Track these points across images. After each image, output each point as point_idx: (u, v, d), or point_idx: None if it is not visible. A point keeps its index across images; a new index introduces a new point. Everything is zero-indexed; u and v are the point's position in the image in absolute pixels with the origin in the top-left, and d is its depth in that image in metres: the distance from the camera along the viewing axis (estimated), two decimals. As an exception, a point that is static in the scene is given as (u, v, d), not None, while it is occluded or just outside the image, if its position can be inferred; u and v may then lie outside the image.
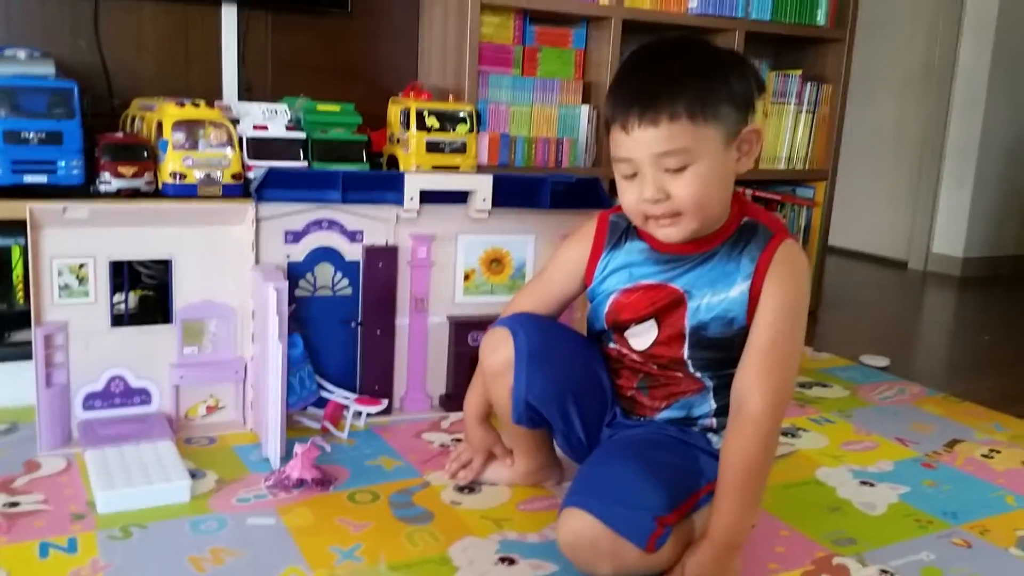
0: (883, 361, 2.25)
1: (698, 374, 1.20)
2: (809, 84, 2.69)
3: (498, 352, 1.25)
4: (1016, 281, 3.68)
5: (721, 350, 1.16)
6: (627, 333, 1.22)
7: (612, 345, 1.25)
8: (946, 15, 3.71)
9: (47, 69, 1.64)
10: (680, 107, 1.05)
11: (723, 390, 1.18)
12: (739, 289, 1.14)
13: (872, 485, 1.49)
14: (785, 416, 1.17)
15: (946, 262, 3.78)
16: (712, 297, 1.15)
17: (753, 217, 1.17)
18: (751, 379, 1.11)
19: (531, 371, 1.22)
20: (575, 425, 1.25)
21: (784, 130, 2.69)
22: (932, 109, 3.80)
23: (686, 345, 1.18)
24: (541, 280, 1.33)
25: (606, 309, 1.22)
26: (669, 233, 1.12)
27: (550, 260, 1.35)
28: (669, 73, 1.08)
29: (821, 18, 2.62)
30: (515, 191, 1.70)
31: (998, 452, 1.67)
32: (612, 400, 1.27)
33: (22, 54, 1.65)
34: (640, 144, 1.07)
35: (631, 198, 1.12)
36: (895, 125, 3.99)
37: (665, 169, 1.07)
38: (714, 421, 1.22)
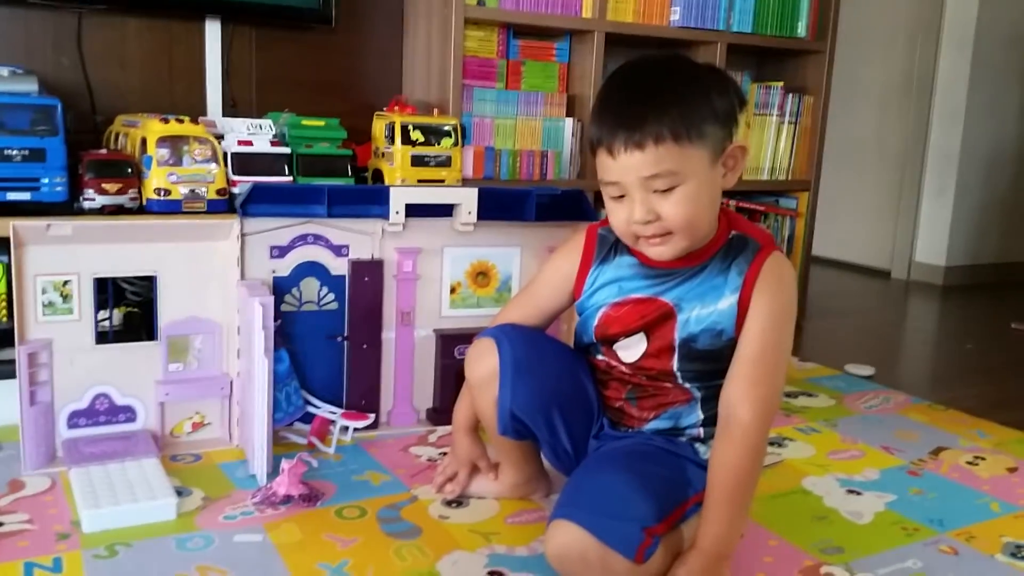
0: (868, 370, 2.26)
1: (687, 385, 1.20)
2: (791, 95, 2.71)
3: (483, 362, 1.25)
4: (998, 289, 3.71)
5: (710, 362, 1.17)
6: (616, 346, 1.22)
7: (600, 357, 1.26)
8: (926, 26, 3.76)
9: (30, 86, 1.63)
10: (665, 129, 1.05)
11: (711, 401, 1.19)
12: (728, 301, 1.15)
13: (859, 494, 1.50)
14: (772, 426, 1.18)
15: (929, 271, 3.81)
16: (701, 310, 1.16)
17: (741, 230, 1.18)
18: (739, 389, 1.12)
19: (516, 381, 1.22)
20: (561, 436, 1.25)
21: (766, 141, 2.71)
22: (913, 119, 3.84)
23: (675, 357, 1.18)
24: (529, 293, 1.34)
25: (595, 323, 1.23)
26: (661, 252, 1.13)
27: (538, 273, 1.35)
28: (652, 95, 1.08)
29: (802, 30, 2.64)
30: (500, 204, 1.71)
31: (983, 459, 1.68)
32: (599, 411, 1.27)
33: (5, 71, 1.65)
34: (627, 168, 1.07)
35: (620, 218, 1.12)
36: (877, 135, 4.03)
37: (653, 190, 1.08)
38: (702, 431, 1.22)
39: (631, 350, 1.21)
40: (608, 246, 1.23)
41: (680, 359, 1.18)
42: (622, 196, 1.10)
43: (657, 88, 1.09)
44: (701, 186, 1.09)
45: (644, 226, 1.10)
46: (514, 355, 1.22)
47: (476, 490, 1.40)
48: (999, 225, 3.86)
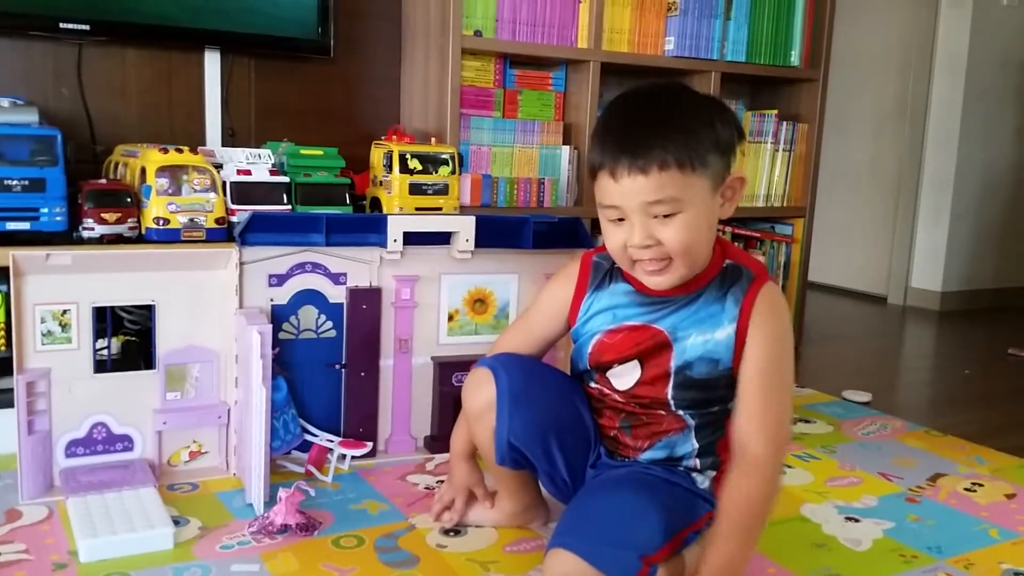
0: (865, 396, 2.26)
1: (680, 412, 1.20)
2: (785, 123, 2.74)
3: (480, 392, 1.25)
4: (994, 314, 3.71)
5: (705, 390, 1.17)
6: (609, 373, 1.22)
7: (594, 385, 1.25)
8: (918, 54, 3.79)
9: (30, 117, 1.65)
10: (670, 156, 1.05)
11: (705, 428, 1.19)
12: (725, 332, 1.15)
13: (857, 521, 1.49)
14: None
15: (925, 296, 3.82)
16: (697, 338, 1.16)
17: (734, 259, 1.19)
18: (751, 423, 1.12)
19: (513, 411, 1.22)
20: (559, 465, 1.25)
21: (761, 169, 2.73)
22: (907, 145, 3.86)
23: (670, 385, 1.18)
24: (526, 321, 1.34)
25: (589, 349, 1.23)
26: (658, 281, 1.13)
27: (534, 301, 1.35)
28: (658, 121, 1.08)
29: (795, 59, 2.67)
30: (498, 231, 1.72)
31: (981, 485, 1.68)
32: (596, 439, 1.27)
33: (5, 102, 1.66)
34: (629, 192, 1.07)
35: (618, 242, 1.12)
36: (871, 162, 4.06)
37: (653, 216, 1.08)
38: (697, 462, 1.21)
39: (624, 377, 1.21)
40: (603, 273, 1.24)
41: (675, 387, 1.18)
42: (621, 219, 1.10)
43: (663, 115, 1.09)
44: (700, 214, 1.09)
45: (642, 250, 1.10)
46: (511, 385, 1.23)
47: (474, 519, 1.40)
48: (995, 250, 3.87)
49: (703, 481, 1.20)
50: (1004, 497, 1.63)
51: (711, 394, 1.16)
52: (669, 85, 1.17)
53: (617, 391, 1.22)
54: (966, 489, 1.66)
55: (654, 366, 1.18)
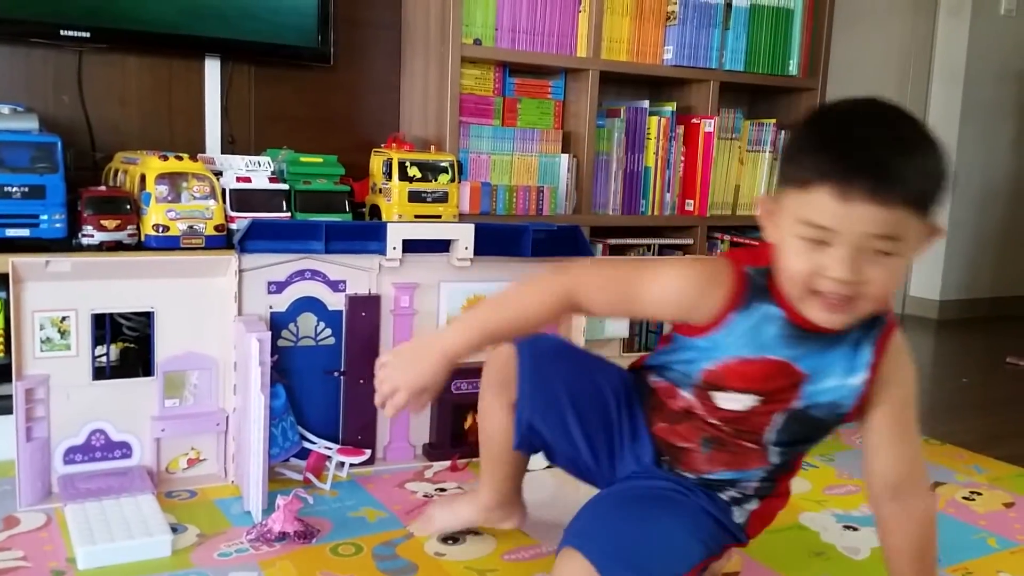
0: (864, 404, 2.26)
1: (771, 448, 1.11)
2: (783, 132, 2.74)
3: (501, 371, 1.22)
4: (992, 323, 3.72)
5: (811, 429, 1.10)
6: (717, 393, 1.09)
7: (686, 395, 1.12)
8: (916, 63, 3.81)
9: (31, 124, 1.65)
10: (914, 192, 0.91)
11: (783, 466, 1.14)
12: (860, 379, 1.06)
13: (855, 529, 1.49)
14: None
15: (923, 305, 3.83)
16: (829, 381, 1.06)
17: None
18: (912, 464, 1.10)
19: (534, 393, 1.18)
20: (580, 446, 1.18)
21: (760, 178, 2.73)
22: (905, 155, 3.87)
23: (780, 417, 1.08)
24: (627, 291, 1.12)
25: (711, 367, 1.07)
26: (833, 319, 0.98)
27: (646, 276, 1.11)
28: (906, 149, 0.93)
29: (793, 68, 2.68)
30: (497, 239, 1.72)
31: (979, 494, 1.68)
32: (627, 430, 1.19)
33: (6, 109, 1.66)
34: (857, 219, 0.91)
35: (806, 267, 0.95)
36: (869, 171, 4.06)
37: (871, 251, 0.93)
38: (753, 487, 1.15)
39: (734, 403, 1.08)
40: (756, 291, 1.05)
41: (786, 420, 1.08)
42: (820, 243, 0.94)
43: (909, 142, 0.94)
44: (908, 261, 0.97)
45: (840, 285, 0.94)
46: (533, 364, 1.19)
47: (448, 522, 1.38)
48: (993, 259, 3.88)
49: (740, 515, 1.15)
50: (1002, 506, 1.63)
51: (813, 433, 1.11)
52: (896, 106, 0.98)
53: (717, 408, 1.09)
54: (964, 498, 1.66)
55: (776, 402, 1.07)
